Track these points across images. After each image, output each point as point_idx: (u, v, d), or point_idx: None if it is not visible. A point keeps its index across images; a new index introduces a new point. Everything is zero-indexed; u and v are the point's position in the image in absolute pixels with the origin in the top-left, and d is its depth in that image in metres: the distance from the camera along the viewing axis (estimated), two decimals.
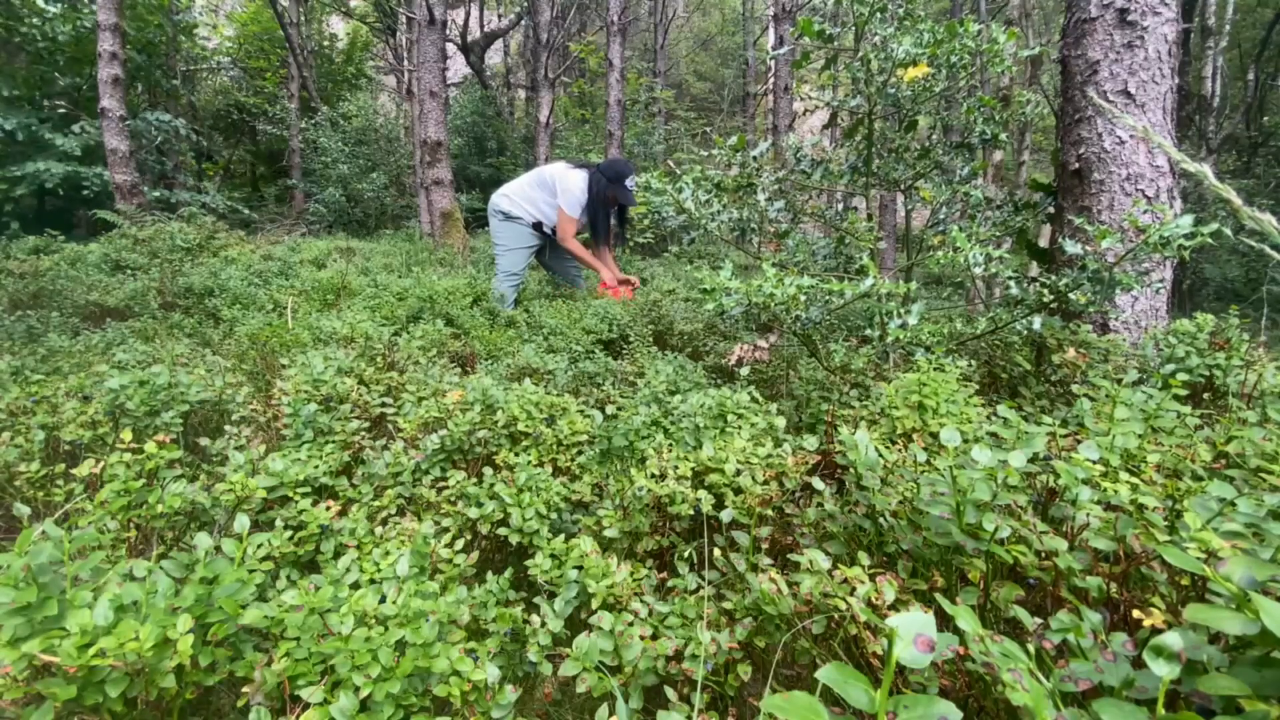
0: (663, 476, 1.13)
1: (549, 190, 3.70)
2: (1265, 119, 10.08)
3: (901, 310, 1.71)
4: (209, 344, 2.76)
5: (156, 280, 3.83)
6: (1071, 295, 1.65)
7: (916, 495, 0.93)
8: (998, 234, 2.24)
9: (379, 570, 0.96)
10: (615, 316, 2.97)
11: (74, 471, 1.15)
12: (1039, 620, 0.73)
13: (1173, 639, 0.54)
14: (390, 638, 0.78)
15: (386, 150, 10.33)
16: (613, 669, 0.83)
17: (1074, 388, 1.36)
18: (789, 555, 0.93)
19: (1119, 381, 1.24)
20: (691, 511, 1.06)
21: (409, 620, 0.81)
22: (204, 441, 1.33)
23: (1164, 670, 0.53)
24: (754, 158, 2.18)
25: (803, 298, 1.60)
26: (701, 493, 1.07)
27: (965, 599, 0.82)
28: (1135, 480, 0.91)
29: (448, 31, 8.57)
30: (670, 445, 1.26)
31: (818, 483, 1.07)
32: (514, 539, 1.09)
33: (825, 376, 1.88)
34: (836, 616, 0.83)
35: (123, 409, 1.45)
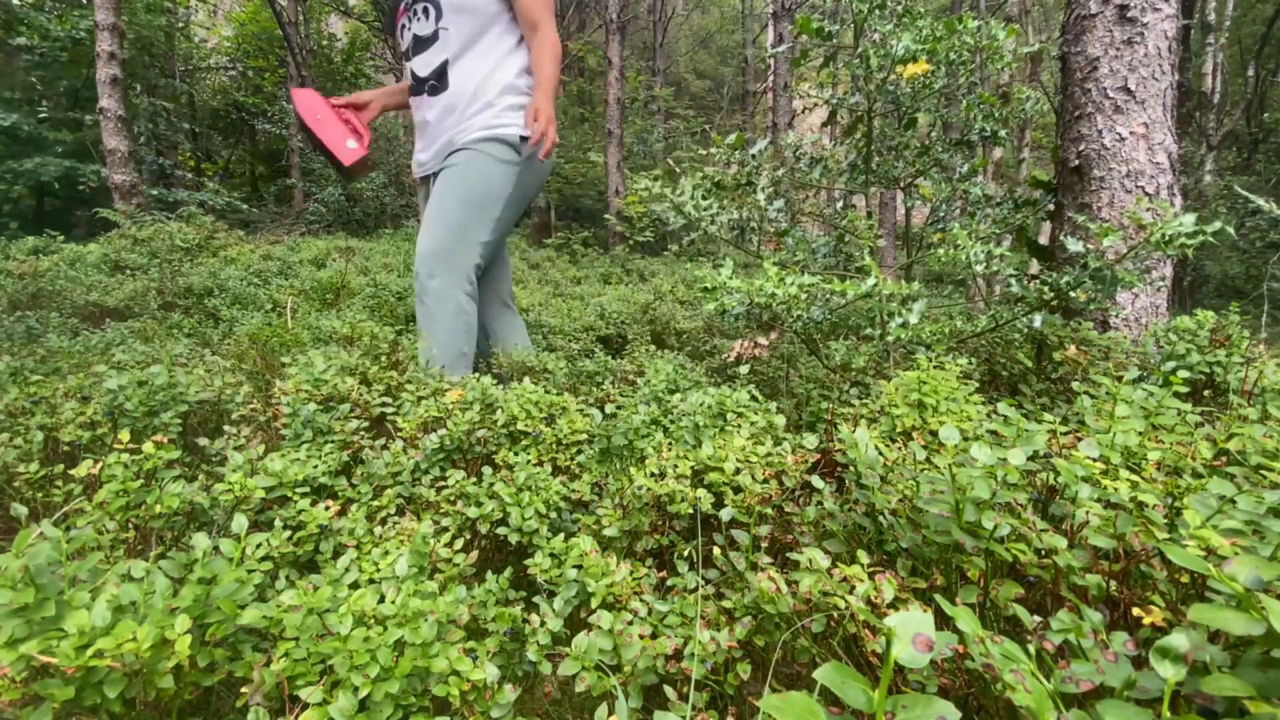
0: (662, 475, 1.13)
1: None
2: (1265, 115, 10.07)
3: (902, 309, 1.71)
4: (208, 344, 2.76)
5: (156, 280, 3.83)
6: (1072, 293, 1.65)
7: (916, 493, 0.93)
8: (998, 231, 2.23)
9: (378, 570, 0.95)
10: (614, 314, 2.97)
11: (72, 472, 1.15)
12: (1038, 618, 0.73)
13: (1179, 640, 0.54)
14: (389, 637, 0.78)
15: (386, 149, 10.33)
16: (612, 668, 0.83)
17: (1074, 385, 1.35)
18: (788, 554, 0.93)
19: (1120, 379, 1.24)
20: (691, 510, 1.06)
21: (408, 620, 0.81)
22: (203, 442, 1.33)
23: (1169, 672, 0.53)
24: (753, 156, 2.18)
25: (804, 297, 1.60)
26: (701, 491, 1.06)
27: (965, 597, 0.82)
28: (1135, 478, 0.91)
29: None
30: (670, 444, 1.26)
31: (817, 481, 1.07)
32: (513, 538, 1.09)
33: (825, 375, 1.88)
34: (836, 615, 0.82)
35: (121, 409, 1.44)
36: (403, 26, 2.08)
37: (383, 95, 2.24)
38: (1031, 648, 0.64)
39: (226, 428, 1.39)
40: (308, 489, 1.17)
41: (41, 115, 7.84)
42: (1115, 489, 0.87)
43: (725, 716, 0.83)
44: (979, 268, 1.62)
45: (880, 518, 0.97)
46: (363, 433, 1.37)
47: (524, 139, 2.00)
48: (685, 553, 1.08)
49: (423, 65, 2.02)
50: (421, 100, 2.05)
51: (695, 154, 2.40)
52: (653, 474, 1.12)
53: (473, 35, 1.97)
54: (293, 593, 0.83)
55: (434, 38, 1.99)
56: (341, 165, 2.05)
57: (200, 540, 0.88)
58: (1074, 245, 1.65)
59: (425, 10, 2.00)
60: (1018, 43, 1.95)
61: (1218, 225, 1.42)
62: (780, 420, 1.31)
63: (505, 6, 2.00)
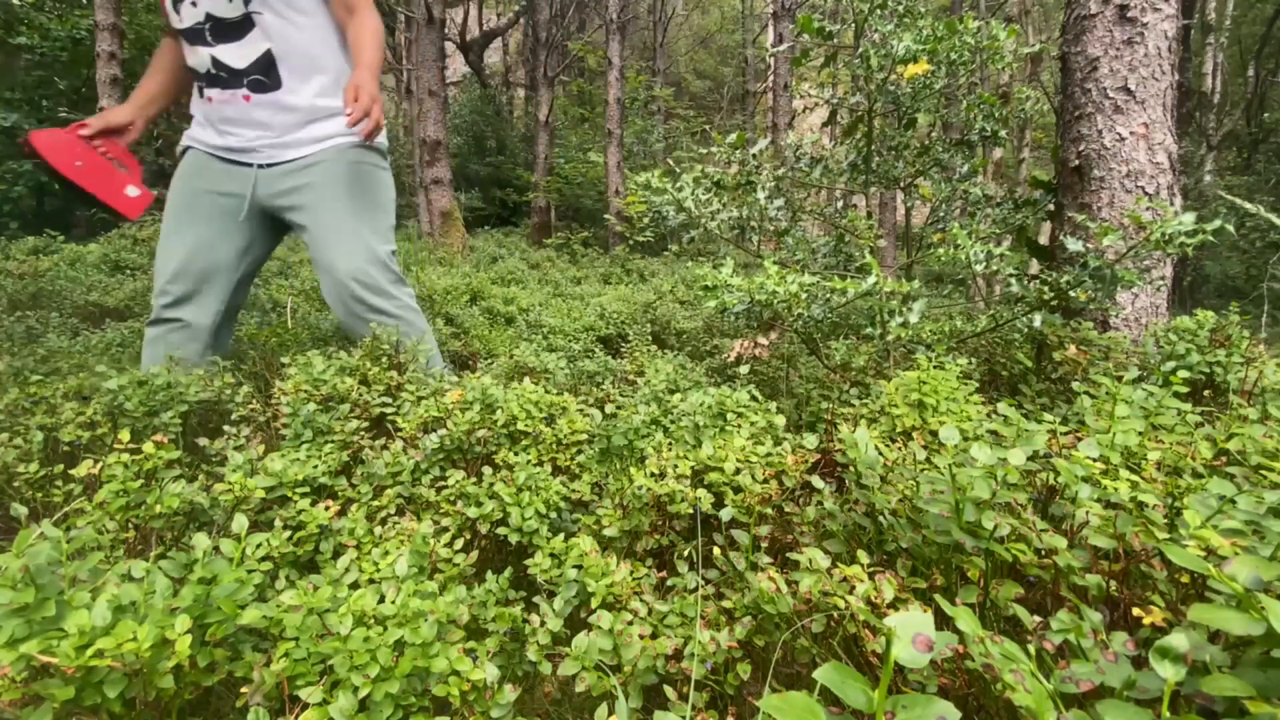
0: (662, 475, 1.13)
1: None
2: (1265, 115, 10.07)
3: (903, 309, 1.71)
4: None
5: None
6: (1072, 292, 1.65)
7: (916, 493, 0.93)
8: (998, 231, 2.23)
9: (378, 570, 0.95)
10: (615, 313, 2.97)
11: (72, 472, 1.15)
12: (1038, 618, 0.73)
13: (1179, 640, 0.54)
14: (389, 638, 0.78)
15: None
16: (612, 668, 0.83)
17: (1074, 385, 1.35)
18: (788, 554, 0.93)
19: (1119, 379, 1.24)
20: (691, 510, 1.06)
21: (408, 620, 0.81)
22: (203, 442, 1.33)
23: (1169, 672, 0.53)
24: (753, 155, 2.18)
25: (804, 296, 1.60)
26: (701, 491, 1.06)
27: (965, 597, 0.82)
28: (1135, 478, 0.91)
29: (446, 30, 8.57)
30: (670, 444, 1.26)
31: (817, 481, 1.07)
32: (513, 538, 1.09)
33: (825, 375, 1.88)
34: (836, 615, 0.82)
35: (121, 409, 1.44)
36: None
37: (142, 108, 1.84)
38: (1031, 648, 0.64)
39: (226, 428, 1.38)
40: (308, 489, 1.17)
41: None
42: (1115, 489, 0.87)
43: (725, 716, 0.83)
44: (979, 267, 1.62)
45: (880, 518, 0.97)
46: (363, 433, 1.37)
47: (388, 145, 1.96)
48: (685, 553, 1.08)
49: (236, 55, 1.73)
50: (238, 94, 1.76)
51: (695, 154, 2.41)
52: (653, 474, 1.12)
53: (292, 22, 1.75)
54: (293, 593, 0.83)
55: (246, 23, 1.72)
56: (124, 216, 1.76)
57: (200, 540, 0.88)
58: (1074, 245, 1.65)
59: None
60: (1018, 43, 1.95)
61: (1217, 224, 1.42)
62: (780, 420, 1.31)
63: None
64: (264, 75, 1.75)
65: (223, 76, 1.75)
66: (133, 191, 1.75)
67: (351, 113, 1.63)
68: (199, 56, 1.74)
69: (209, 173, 1.81)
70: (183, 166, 1.84)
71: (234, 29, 1.72)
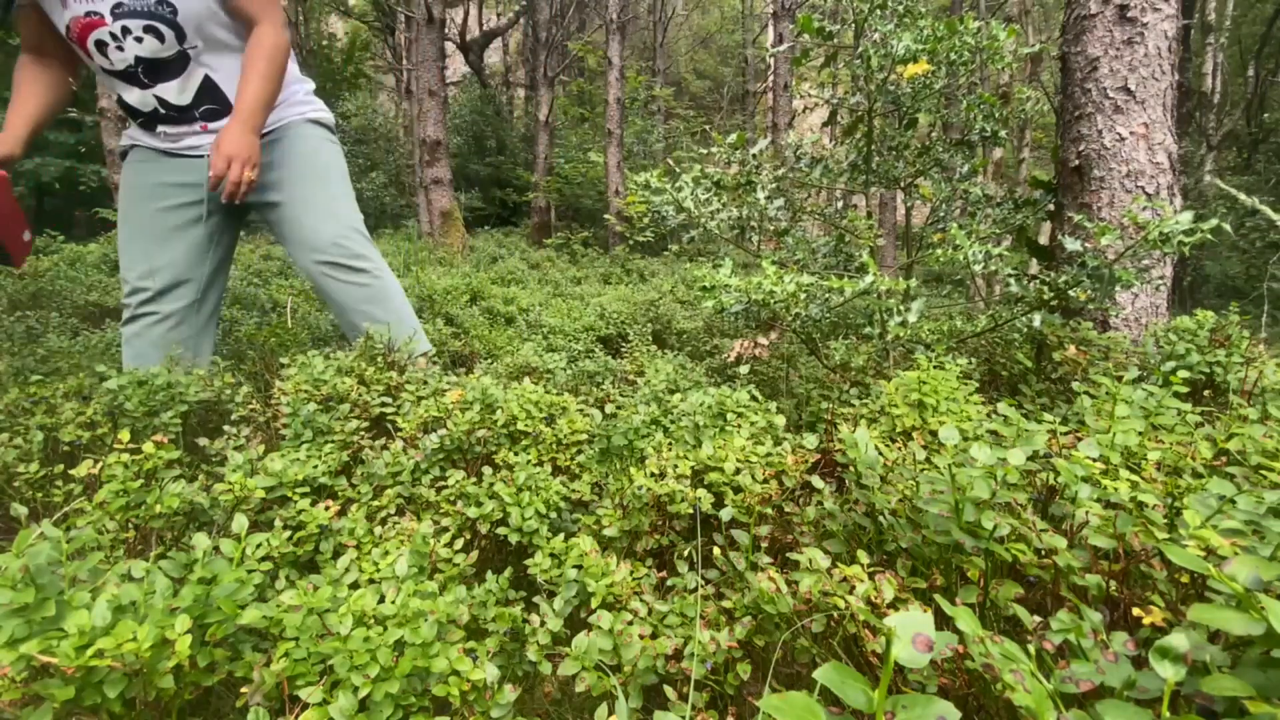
0: (662, 475, 1.13)
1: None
2: (1265, 115, 10.07)
3: (901, 308, 1.71)
4: None
5: None
6: (1072, 292, 1.65)
7: (916, 493, 0.93)
8: (998, 231, 2.23)
9: (378, 570, 0.95)
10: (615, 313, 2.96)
11: (72, 472, 1.15)
12: (1038, 618, 0.73)
13: (1179, 640, 0.54)
14: (389, 638, 0.78)
15: (386, 149, 10.32)
16: (612, 668, 0.83)
17: (1074, 385, 1.35)
18: (788, 554, 0.93)
19: (1119, 379, 1.24)
20: (691, 510, 1.06)
21: (408, 620, 0.81)
22: (203, 442, 1.33)
23: (1169, 672, 0.53)
24: (753, 155, 2.18)
25: (802, 295, 1.60)
26: (701, 491, 1.06)
27: (965, 597, 0.82)
28: (1135, 478, 0.91)
29: (446, 30, 8.57)
30: (670, 444, 1.26)
31: (817, 481, 1.07)
32: (513, 538, 1.09)
33: (825, 375, 1.88)
34: (836, 615, 0.82)
35: (121, 409, 1.44)
36: (100, 42, 1.58)
37: (22, 139, 1.64)
38: (1031, 648, 0.64)
39: (226, 428, 1.38)
40: (308, 489, 1.17)
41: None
42: (1115, 489, 0.87)
43: (725, 716, 0.83)
44: (977, 267, 1.62)
45: (880, 518, 0.97)
46: (363, 433, 1.37)
47: (337, 123, 2.01)
48: (685, 553, 1.08)
49: (178, 92, 1.69)
50: (193, 128, 1.76)
51: (695, 154, 2.41)
52: (653, 474, 1.12)
53: (218, 39, 1.71)
54: (293, 593, 0.83)
55: (182, 59, 1.66)
56: (13, 260, 1.58)
57: (200, 540, 0.88)
58: (1072, 244, 1.66)
59: (154, 32, 1.59)
60: (1018, 43, 1.95)
61: (1214, 223, 1.42)
62: (780, 420, 1.31)
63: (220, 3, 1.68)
64: (212, 102, 1.74)
65: (172, 115, 1.73)
66: (26, 235, 1.60)
67: (212, 176, 1.57)
68: (138, 96, 1.69)
69: (160, 167, 1.78)
70: (131, 164, 1.81)
71: (171, 67, 1.66)
